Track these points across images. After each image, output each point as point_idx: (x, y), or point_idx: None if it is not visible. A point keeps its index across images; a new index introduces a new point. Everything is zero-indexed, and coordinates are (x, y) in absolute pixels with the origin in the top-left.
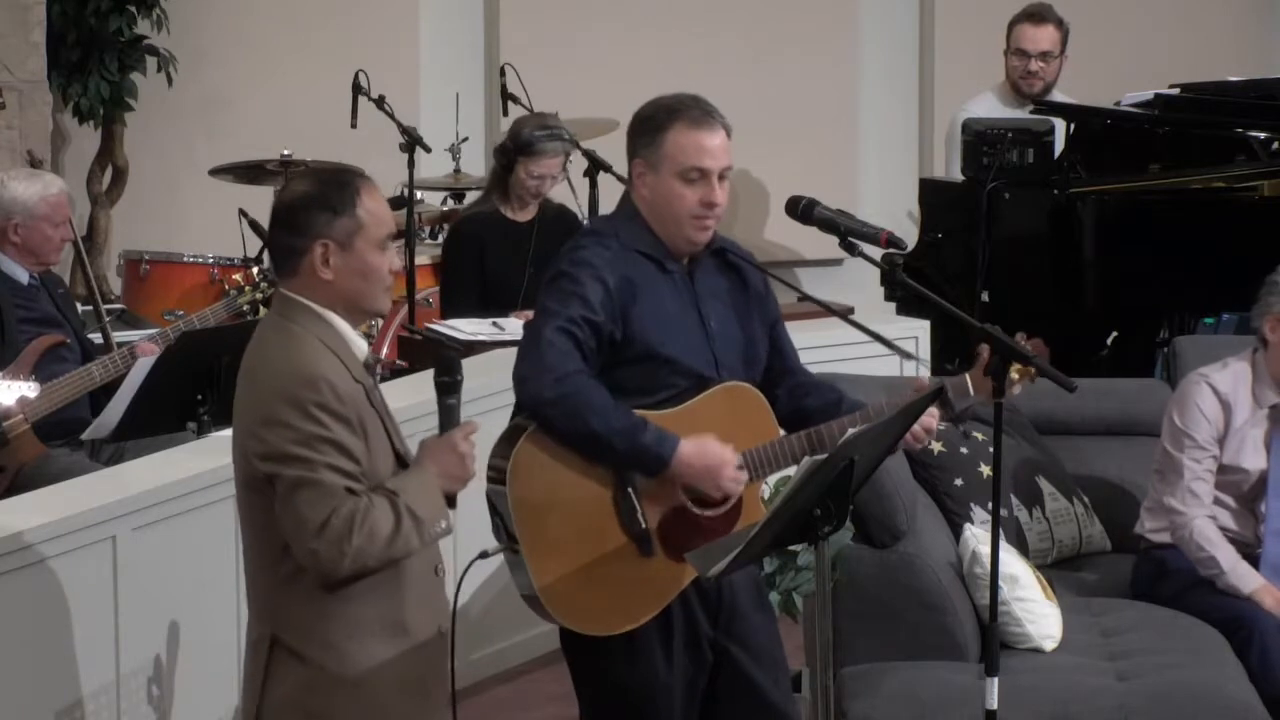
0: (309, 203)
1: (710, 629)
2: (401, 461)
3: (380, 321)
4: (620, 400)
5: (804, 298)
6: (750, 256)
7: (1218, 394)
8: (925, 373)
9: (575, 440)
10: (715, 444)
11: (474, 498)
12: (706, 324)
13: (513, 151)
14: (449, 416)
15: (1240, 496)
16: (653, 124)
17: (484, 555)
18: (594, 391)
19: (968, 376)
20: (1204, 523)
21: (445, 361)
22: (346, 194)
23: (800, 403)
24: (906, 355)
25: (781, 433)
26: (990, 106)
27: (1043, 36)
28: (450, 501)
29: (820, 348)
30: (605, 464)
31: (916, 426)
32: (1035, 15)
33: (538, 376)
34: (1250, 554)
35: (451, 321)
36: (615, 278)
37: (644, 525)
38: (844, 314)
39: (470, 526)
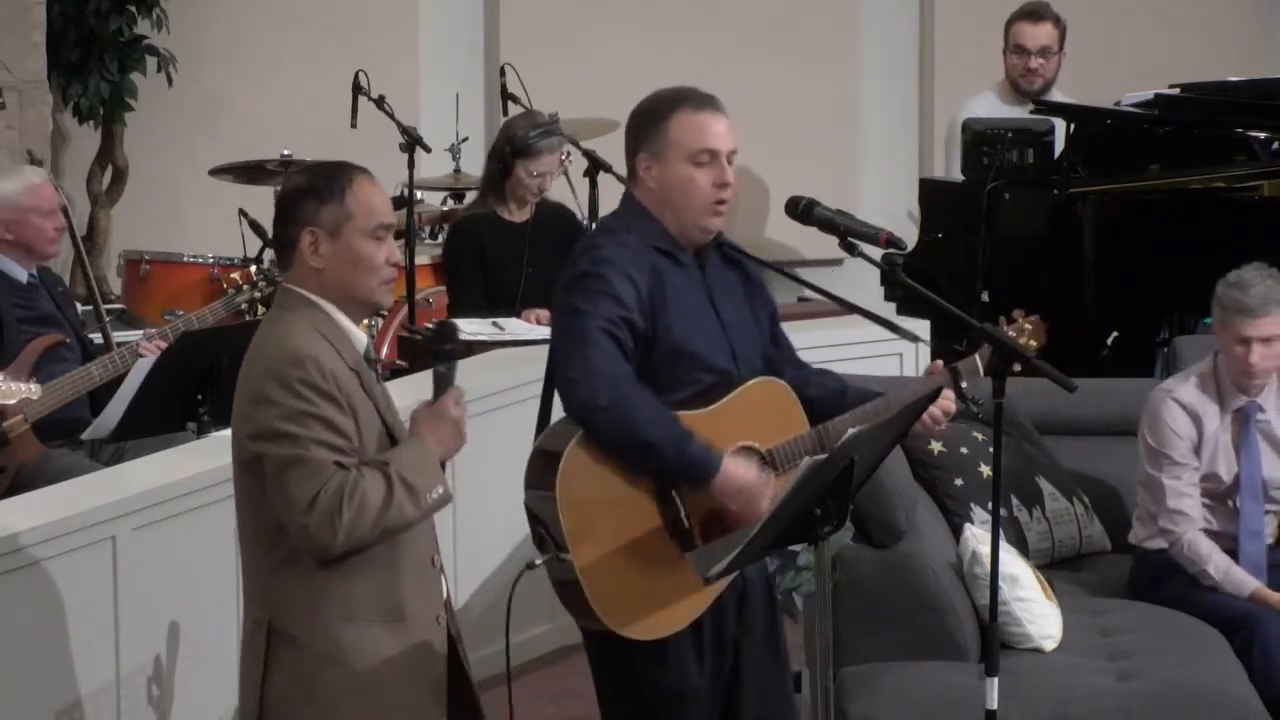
0: (300, 192)
1: (735, 629)
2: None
3: (380, 321)
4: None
5: (821, 295)
6: (744, 249)
7: (1184, 407)
8: (925, 359)
9: (623, 447)
10: (756, 469)
11: (493, 492)
12: (721, 317)
13: (510, 154)
14: (441, 384)
15: (1220, 497)
16: (654, 114)
17: (531, 566)
18: (644, 399)
19: (977, 356)
20: (1194, 537)
21: (441, 330)
22: (335, 183)
23: (804, 392)
24: (909, 336)
25: (809, 427)
26: (990, 105)
27: (1041, 33)
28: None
29: (820, 347)
30: (650, 471)
31: (937, 411)
32: (1033, 13)
33: (589, 380)
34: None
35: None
36: (641, 274)
37: (687, 526)
38: (853, 306)
39: (491, 519)
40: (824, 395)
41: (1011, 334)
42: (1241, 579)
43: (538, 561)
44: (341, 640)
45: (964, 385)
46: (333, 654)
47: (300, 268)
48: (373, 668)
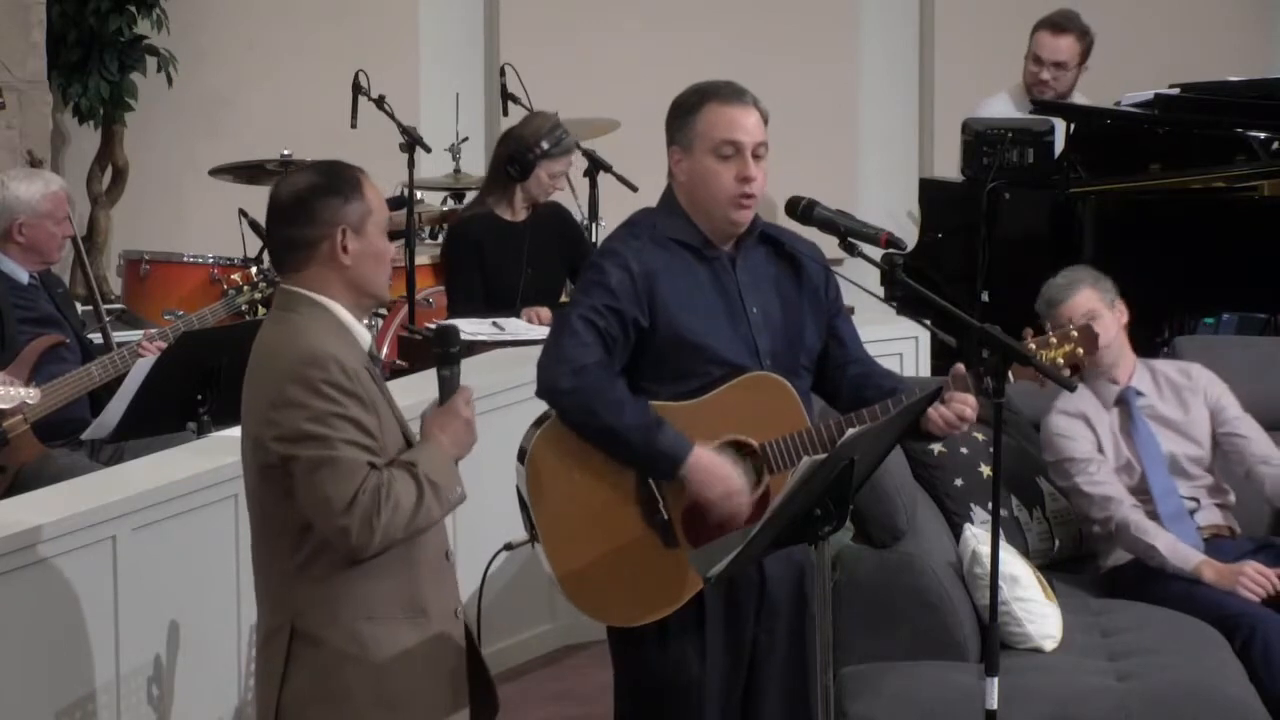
0: (321, 191)
1: (754, 626)
2: (409, 444)
3: (380, 321)
4: (656, 388)
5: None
6: (811, 250)
7: (1067, 413)
8: (925, 357)
9: (589, 433)
10: (728, 465)
11: (493, 491)
12: (748, 312)
13: (539, 156)
14: (447, 387)
15: (1135, 490)
16: (685, 107)
17: (509, 547)
18: (609, 385)
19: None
20: (1134, 514)
21: (443, 333)
22: (351, 180)
23: (860, 394)
24: (945, 338)
25: (808, 424)
26: (1005, 106)
27: (1061, 46)
28: None
29: None
30: (620, 459)
31: (950, 414)
32: (1056, 25)
33: (555, 366)
34: None
35: (451, 321)
36: (641, 265)
37: (665, 516)
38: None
39: (491, 519)
40: (878, 397)
41: (1055, 340)
42: (1187, 553)
43: (515, 543)
44: (364, 639)
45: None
46: (355, 652)
47: (316, 267)
48: (394, 664)
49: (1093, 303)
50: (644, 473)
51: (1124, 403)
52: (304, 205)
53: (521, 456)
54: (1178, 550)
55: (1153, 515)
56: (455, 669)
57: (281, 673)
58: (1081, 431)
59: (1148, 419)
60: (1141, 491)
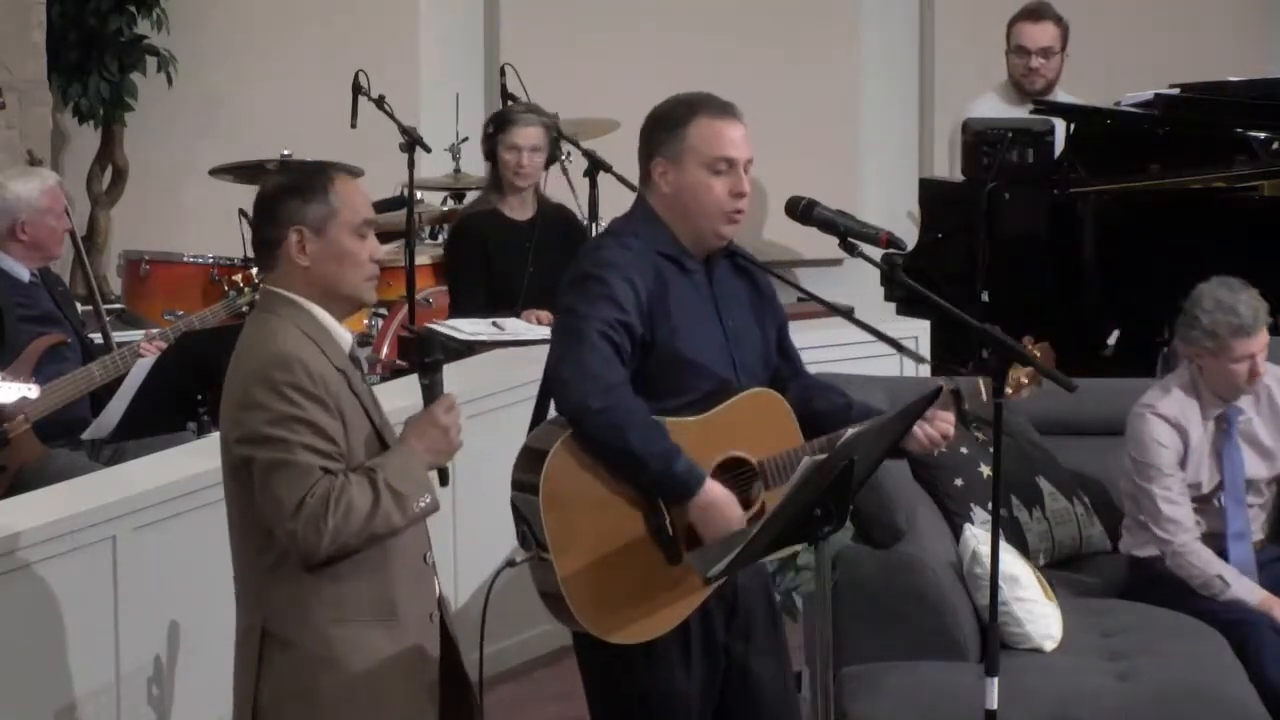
0: (281, 192)
1: (724, 635)
2: (385, 448)
3: (380, 321)
4: (647, 402)
5: (808, 297)
6: (755, 259)
7: (1168, 420)
8: (926, 371)
9: (609, 453)
10: (736, 507)
11: (492, 490)
12: (725, 326)
13: (494, 134)
14: (428, 394)
15: (1198, 501)
16: (673, 119)
17: (511, 564)
18: (637, 408)
19: (980, 381)
20: (1195, 544)
21: (422, 342)
22: (318, 182)
23: (809, 406)
24: (911, 355)
25: (802, 441)
26: (994, 107)
27: (1042, 33)
28: (443, 478)
29: (821, 347)
30: (632, 479)
31: (934, 432)
32: (1034, 13)
33: (582, 383)
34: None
35: (452, 321)
36: (642, 278)
37: (671, 533)
38: (848, 314)
39: (491, 518)
40: (830, 410)
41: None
42: (1250, 586)
43: (518, 559)
44: (335, 642)
45: (966, 407)
46: (326, 656)
47: (284, 267)
48: (366, 669)
49: (1266, 338)
50: (652, 493)
51: (1225, 421)
52: (266, 205)
53: (525, 482)
54: (1240, 584)
55: (1214, 531)
56: (428, 674)
57: (255, 675)
58: (1173, 441)
59: (1240, 434)
60: (1205, 502)
